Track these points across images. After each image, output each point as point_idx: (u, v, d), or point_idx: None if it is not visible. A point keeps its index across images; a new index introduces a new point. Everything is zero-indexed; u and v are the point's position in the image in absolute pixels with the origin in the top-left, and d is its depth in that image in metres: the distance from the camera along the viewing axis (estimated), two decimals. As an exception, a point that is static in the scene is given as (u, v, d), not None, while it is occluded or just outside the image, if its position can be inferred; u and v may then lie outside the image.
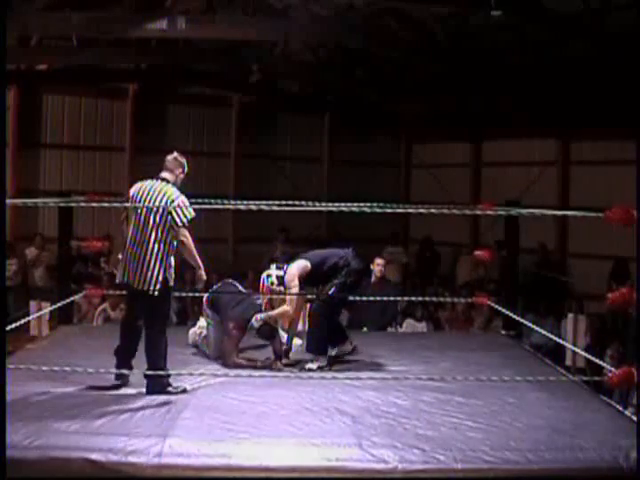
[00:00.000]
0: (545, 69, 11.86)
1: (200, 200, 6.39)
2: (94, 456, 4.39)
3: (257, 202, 6.81)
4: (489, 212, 7.71)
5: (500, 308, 8.51)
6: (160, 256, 5.55)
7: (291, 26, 12.20)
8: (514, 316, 8.04)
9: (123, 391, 5.64)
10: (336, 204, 7.12)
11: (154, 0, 12.69)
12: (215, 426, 4.91)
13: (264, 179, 15.48)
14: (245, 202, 6.58)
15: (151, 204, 5.54)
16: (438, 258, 15.64)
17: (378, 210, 6.36)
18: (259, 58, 13.97)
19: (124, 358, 5.75)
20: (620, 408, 5.80)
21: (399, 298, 9.65)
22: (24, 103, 14.09)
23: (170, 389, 5.59)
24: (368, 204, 6.65)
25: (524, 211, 7.93)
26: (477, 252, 8.51)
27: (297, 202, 6.80)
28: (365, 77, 14.69)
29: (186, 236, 5.60)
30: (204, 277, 5.91)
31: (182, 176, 5.85)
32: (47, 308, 7.84)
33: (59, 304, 8.11)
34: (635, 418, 5.39)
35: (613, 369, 5.36)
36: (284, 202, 6.79)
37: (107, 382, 5.70)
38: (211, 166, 15.70)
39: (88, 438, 4.59)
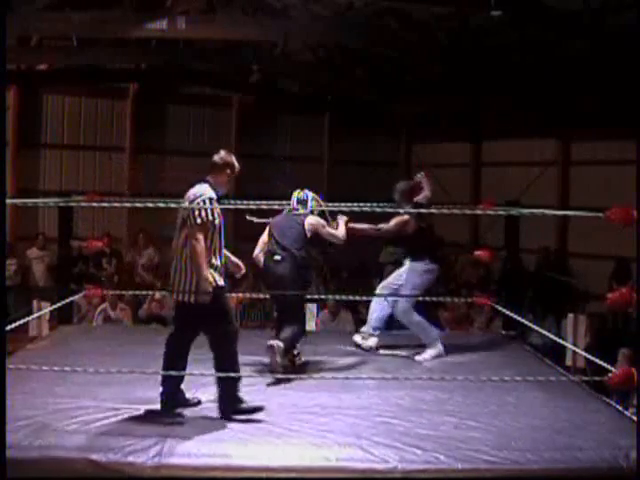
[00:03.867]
0: (545, 69, 11.86)
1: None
2: (94, 456, 4.39)
3: (257, 202, 6.84)
4: (489, 212, 7.70)
5: (500, 308, 8.52)
6: (187, 263, 5.18)
7: (291, 26, 12.20)
8: (514, 316, 8.05)
9: (124, 391, 5.64)
10: (336, 204, 7.13)
11: (154, 0, 12.69)
12: (215, 426, 4.91)
13: (264, 179, 15.48)
14: (245, 202, 6.59)
15: (181, 209, 5.21)
16: (444, 261, 15.51)
17: (378, 210, 6.37)
18: (259, 58, 13.98)
19: (173, 382, 5.29)
20: (620, 408, 5.80)
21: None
22: (24, 103, 14.10)
23: (243, 406, 5.14)
24: (368, 204, 6.66)
25: (524, 211, 7.94)
26: (477, 252, 8.50)
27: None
28: (365, 77, 14.69)
29: (197, 239, 5.10)
30: (206, 289, 5.14)
31: (229, 176, 5.48)
32: (47, 308, 7.83)
33: (59, 304, 8.12)
34: (635, 418, 5.39)
35: (614, 369, 5.36)
36: (284, 202, 6.81)
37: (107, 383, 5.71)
38: (211, 166, 15.70)
39: (88, 438, 4.59)
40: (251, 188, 15.04)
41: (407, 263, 7.29)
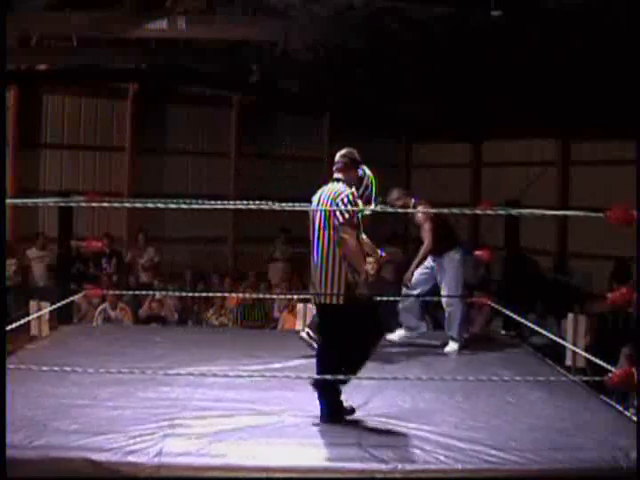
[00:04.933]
0: (545, 69, 11.86)
1: (200, 200, 6.40)
2: (94, 456, 4.39)
3: (257, 202, 6.83)
4: (489, 212, 7.72)
5: (500, 308, 8.52)
6: (334, 263, 5.08)
7: (291, 26, 12.19)
8: (514, 316, 8.05)
9: (124, 391, 5.64)
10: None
11: (154, 0, 12.68)
12: (215, 426, 4.91)
13: (264, 179, 15.48)
14: (245, 202, 6.58)
15: (320, 207, 5.18)
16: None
17: (378, 210, 6.38)
18: (259, 58, 13.97)
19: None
20: (620, 408, 5.80)
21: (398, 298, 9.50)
22: (24, 103, 14.08)
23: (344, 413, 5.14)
24: (368, 205, 6.65)
25: (524, 211, 7.94)
26: (477, 252, 8.51)
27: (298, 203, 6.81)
28: (365, 77, 14.68)
29: (349, 235, 5.06)
30: (363, 284, 5.20)
31: (356, 172, 5.47)
32: (47, 308, 7.84)
33: (59, 304, 8.12)
34: (635, 418, 5.39)
35: (614, 369, 5.36)
36: (284, 202, 6.79)
37: (106, 383, 5.71)
38: (211, 166, 15.70)
39: (88, 438, 4.59)
40: (251, 188, 15.11)
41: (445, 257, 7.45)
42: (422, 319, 7.80)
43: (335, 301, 5.10)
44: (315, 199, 5.36)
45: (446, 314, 7.52)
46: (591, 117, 12.49)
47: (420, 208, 7.37)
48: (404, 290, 7.54)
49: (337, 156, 5.43)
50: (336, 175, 5.38)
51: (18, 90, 13.94)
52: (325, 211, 5.12)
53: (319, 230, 5.19)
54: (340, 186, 5.26)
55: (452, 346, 7.46)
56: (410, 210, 7.30)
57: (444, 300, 7.48)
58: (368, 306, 5.21)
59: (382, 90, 14.47)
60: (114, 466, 4.36)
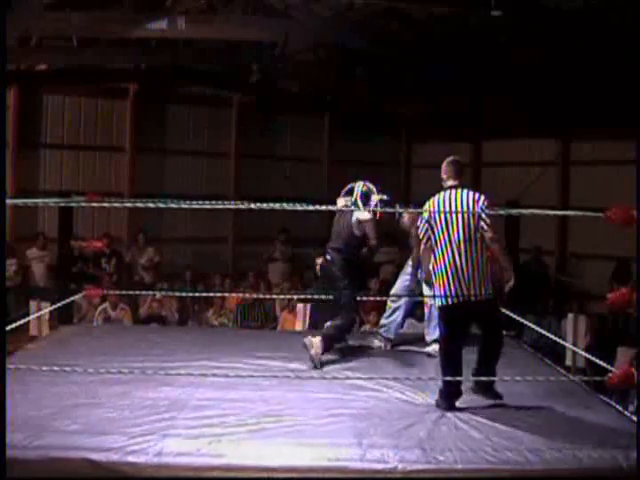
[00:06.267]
0: (545, 69, 11.86)
1: (200, 200, 6.39)
2: (94, 456, 4.39)
3: (257, 202, 6.82)
4: (489, 212, 7.72)
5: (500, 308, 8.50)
6: (485, 264, 5.52)
7: (291, 26, 12.19)
8: (514, 316, 8.05)
9: (124, 391, 5.64)
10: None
11: (154, 0, 12.68)
12: (215, 426, 4.91)
13: (264, 179, 15.48)
14: (245, 202, 6.57)
15: (462, 213, 5.49)
16: None
17: (379, 210, 6.38)
18: (259, 58, 13.97)
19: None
20: (620, 408, 5.80)
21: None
22: (24, 103, 14.07)
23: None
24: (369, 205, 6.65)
25: (524, 211, 7.94)
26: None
27: (298, 203, 6.80)
28: (365, 77, 14.68)
29: (494, 235, 5.53)
30: (511, 282, 5.72)
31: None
32: (47, 308, 7.84)
33: (59, 304, 8.12)
34: (635, 418, 5.39)
35: (614, 369, 5.37)
36: (284, 202, 6.79)
37: (106, 382, 5.71)
38: (211, 166, 15.70)
39: (88, 438, 4.59)
40: (251, 188, 15.11)
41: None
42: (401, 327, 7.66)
43: (490, 296, 5.53)
44: (446, 204, 5.56)
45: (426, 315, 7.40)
46: (591, 117, 12.49)
47: (406, 215, 7.35)
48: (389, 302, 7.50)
49: (445, 164, 5.77)
50: (454, 182, 5.67)
51: (18, 90, 13.92)
52: (477, 217, 5.48)
53: (472, 234, 5.48)
54: (472, 191, 5.60)
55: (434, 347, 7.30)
56: (416, 210, 7.27)
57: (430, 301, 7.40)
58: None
59: (382, 90, 14.47)
60: (114, 466, 4.37)
